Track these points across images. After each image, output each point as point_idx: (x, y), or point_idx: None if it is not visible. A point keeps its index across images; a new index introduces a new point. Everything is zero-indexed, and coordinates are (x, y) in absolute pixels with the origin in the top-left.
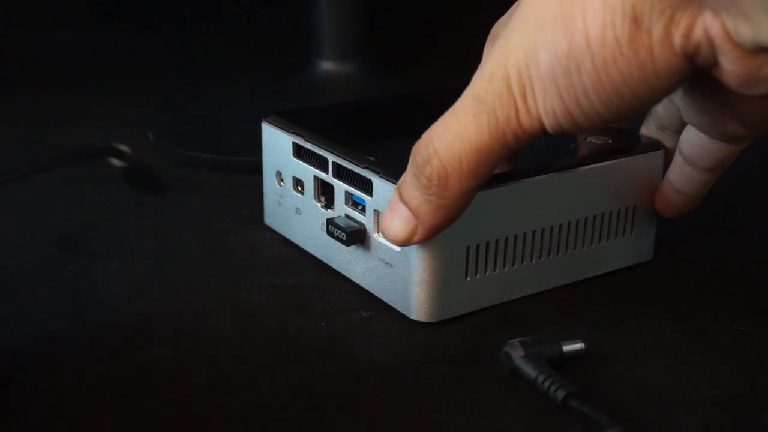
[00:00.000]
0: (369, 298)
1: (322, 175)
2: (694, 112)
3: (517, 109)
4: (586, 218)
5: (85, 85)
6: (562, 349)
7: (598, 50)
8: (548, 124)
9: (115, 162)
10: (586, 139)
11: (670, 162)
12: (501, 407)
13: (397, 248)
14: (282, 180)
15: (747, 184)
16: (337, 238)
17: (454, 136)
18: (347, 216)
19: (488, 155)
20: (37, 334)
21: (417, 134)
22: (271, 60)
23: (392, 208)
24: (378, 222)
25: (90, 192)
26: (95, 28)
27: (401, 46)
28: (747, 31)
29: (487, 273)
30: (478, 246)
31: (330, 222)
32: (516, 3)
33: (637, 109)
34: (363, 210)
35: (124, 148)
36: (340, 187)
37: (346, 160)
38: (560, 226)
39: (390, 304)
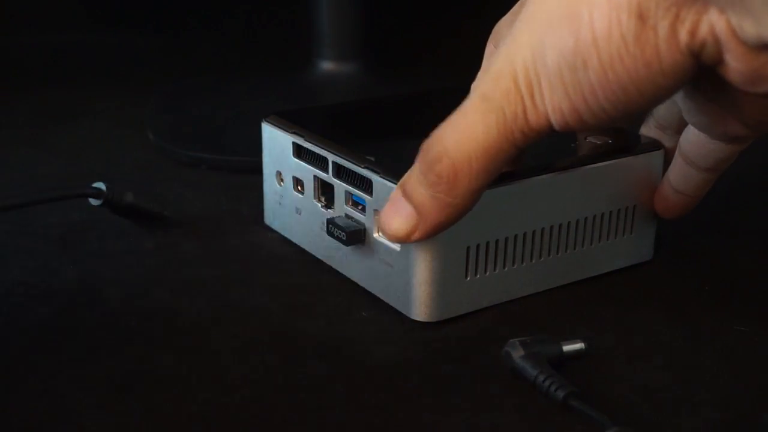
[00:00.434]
0: (369, 298)
1: (322, 175)
2: (695, 111)
3: (524, 107)
4: (586, 218)
5: (85, 84)
6: (562, 349)
7: (605, 47)
8: (555, 121)
9: (94, 201)
10: (586, 139)
11: (670, 162)
12: (501, 407)
13: (398, 248)
14: (282, 180)
15: (747, 184)
16: (337, 238)
17: (463, 134)
18: (347, 216)
19: (497, 153)
20: (37, 334)
21: (417, 134)
22: (271, 60)
23: (393, 204)
24: (377, 219)
25: None
26: (95, 28)
27: (401, 46)
28: (751, 28)
29: (487, 273)
30: (478, 246)
31: (330, 222)
32: (519, 2)
33: (644, 107)
34: (363, 210)
35: (101, 186)
36: (340, 187)
37: (346, 160)
38: (560, 226)
39: (390, 304)
